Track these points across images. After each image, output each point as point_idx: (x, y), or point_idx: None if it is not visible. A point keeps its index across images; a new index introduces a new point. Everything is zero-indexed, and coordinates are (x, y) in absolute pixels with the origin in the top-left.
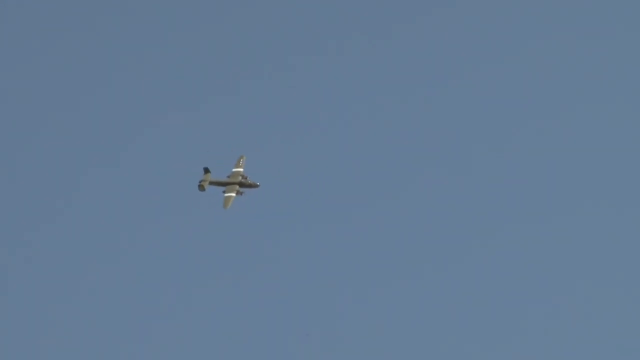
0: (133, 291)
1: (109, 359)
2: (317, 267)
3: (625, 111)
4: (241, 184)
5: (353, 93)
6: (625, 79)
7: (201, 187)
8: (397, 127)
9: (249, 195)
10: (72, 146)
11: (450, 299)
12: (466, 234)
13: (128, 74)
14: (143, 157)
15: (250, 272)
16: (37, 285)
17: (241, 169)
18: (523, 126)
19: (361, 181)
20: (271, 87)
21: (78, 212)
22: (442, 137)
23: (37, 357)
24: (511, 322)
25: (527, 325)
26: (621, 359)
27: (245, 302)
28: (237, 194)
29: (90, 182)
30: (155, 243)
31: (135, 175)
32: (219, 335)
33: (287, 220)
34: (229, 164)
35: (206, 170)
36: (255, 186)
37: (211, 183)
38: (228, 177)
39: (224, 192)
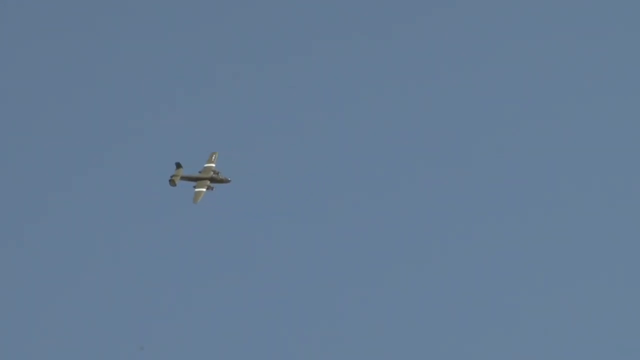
0: (99, 287)
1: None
2: (285, 263)
3: (626, 111)
4: (212, 179)
5: (329, 90)
6: (626, 79)
7: (172, 182)
8: (371, 122)
9: (219, 191)
10: (41, 146)
11: (431, 295)
12: (449, 231)
13: (99, 71)
14: (115, 153)
15: (218, 267)
16: (7, 286)
17: (213, 165)
18: (523, 126)
19: (334, 177)
20: (248, 84)
21: (48, 210)
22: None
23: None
24: (510, 321)
25: (526, 324)
26: (620, 358)
27: (212, 298)
28: (207, 189)
29: (63, 179)
30: (124, 238)
31: (107, 171)
32: (188, 331)
33: (257, 215)
34: (202, 160)
35: (178, 165)
36: (227, 182)
37: (183, 178)
38: (200, 172)
39: (195, 187)
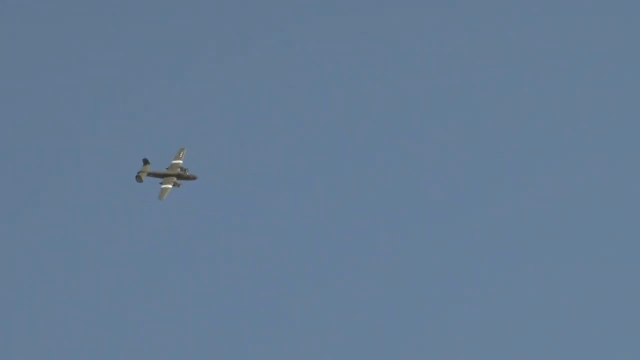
0: (65, 285)
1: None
2: (250, 260)
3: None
4: (179, 176)
5: (301, 86)
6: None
7: (139, 179)
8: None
9: (186, 188)
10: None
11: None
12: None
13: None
14: (81, 149)
15: (182, 263)
16: None
17: (181, 161)
18: (522, 126)
19: (304, 174)
20: (216, 81)
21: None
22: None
23: None
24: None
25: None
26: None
27: (176, 295)
28: (174, 185)
29: (29, 176)
30: (89, 234)
31: (73, 167)
32: (152, 330)
33: (222, 212)
34: (171, 156)
35: (145, 162)
36: (194, 178)
37: (150, 175)
38: (167, 169)
39: (162, 183)
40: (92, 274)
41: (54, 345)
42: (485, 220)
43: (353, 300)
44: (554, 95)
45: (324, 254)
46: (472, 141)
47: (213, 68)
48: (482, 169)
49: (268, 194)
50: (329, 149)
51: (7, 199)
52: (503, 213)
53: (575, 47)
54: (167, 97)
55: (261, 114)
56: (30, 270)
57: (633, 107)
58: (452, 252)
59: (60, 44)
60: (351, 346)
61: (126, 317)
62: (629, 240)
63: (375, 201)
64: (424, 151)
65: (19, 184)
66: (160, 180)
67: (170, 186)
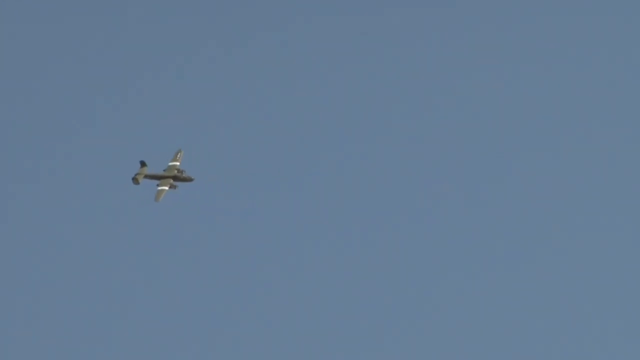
0: (59, 286)
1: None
2: (244, 262)
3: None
4: (175, 178)
5: (299, 85)
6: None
7: (135, 181)
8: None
9: (182, 189)
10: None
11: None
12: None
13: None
14: (78, 150)
15: (178, 264)
16: None
17: (177, 163)
18: (521, 126)
19: (297, 176)
20: (213, 83)
21: (8, 207)
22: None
23: None
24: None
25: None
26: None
27: (171, 296)
28: (170, 187)
29: (24, 175)
30: (85, 235)
31: (69, 168)
32: (147, 331)
33: (218, 214)
34: (168, 158)
35: (142, 164)
36: (190, 180)
37: (146, 176)
38: (164, 170)
39: (158, 185)
40: (89, 276)
41: (53, 345)
42: (484, 219)
43: (352, 300)
44: (554, 95)
45: (321, 254)
46: (472, 141)
47: (210, 69)
48: (482, 168)
49: (264, 195)
50: (327, 149)
51: (5, 199)
52: (503, 213)
53: (575, 47)
54: (164, 99)
55: (258, 116)
56: (26, 271)
57: (633, 107)
58: (452, 252)
59: (59, 43)
60: (351, 346)
61: (122, 318)
62: (629, 240)
63: (373, 201)
64: (423, 151)
65: (17, 184)
66: (157, 181)
67: (167, 188)
